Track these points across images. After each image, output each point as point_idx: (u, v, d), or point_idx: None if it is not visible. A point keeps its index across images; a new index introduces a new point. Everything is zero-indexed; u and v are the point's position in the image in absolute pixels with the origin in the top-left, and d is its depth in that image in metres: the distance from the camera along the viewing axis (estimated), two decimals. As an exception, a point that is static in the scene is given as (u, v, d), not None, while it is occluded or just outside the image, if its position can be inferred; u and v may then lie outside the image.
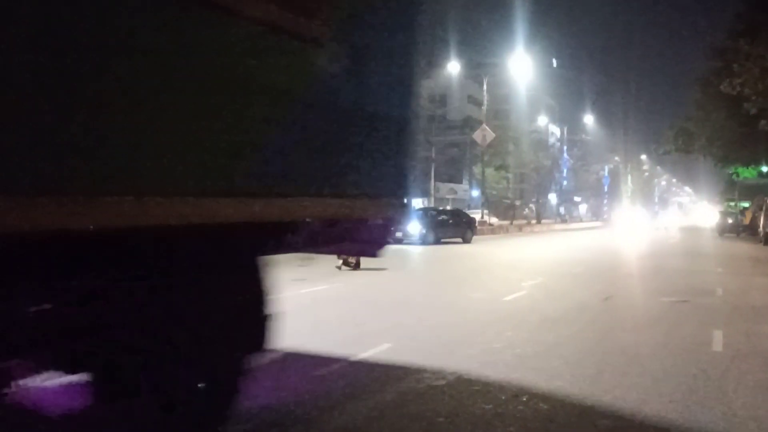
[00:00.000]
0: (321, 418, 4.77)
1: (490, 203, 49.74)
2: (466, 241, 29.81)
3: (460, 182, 72.59)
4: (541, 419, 4.81)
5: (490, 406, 5.07)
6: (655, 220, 44.02)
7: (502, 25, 67.59)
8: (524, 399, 5.26)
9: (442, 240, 28.92)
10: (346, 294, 11.74)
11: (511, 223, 50.51)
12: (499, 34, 65.44)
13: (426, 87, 69.39)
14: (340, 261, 14.80)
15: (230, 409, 4.10)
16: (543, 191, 68.78)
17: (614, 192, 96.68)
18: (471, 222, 32.19)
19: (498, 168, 57.64)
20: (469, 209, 69.15)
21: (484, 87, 44.26)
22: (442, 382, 5.73)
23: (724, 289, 12.83)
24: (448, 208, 42.07)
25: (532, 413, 4.93)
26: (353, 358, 6.51)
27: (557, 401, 5.24)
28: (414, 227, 28.69)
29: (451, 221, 30.92)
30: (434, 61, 63.31)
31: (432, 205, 61.11)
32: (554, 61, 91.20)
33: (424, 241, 27.49)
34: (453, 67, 53.89)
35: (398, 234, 16.46)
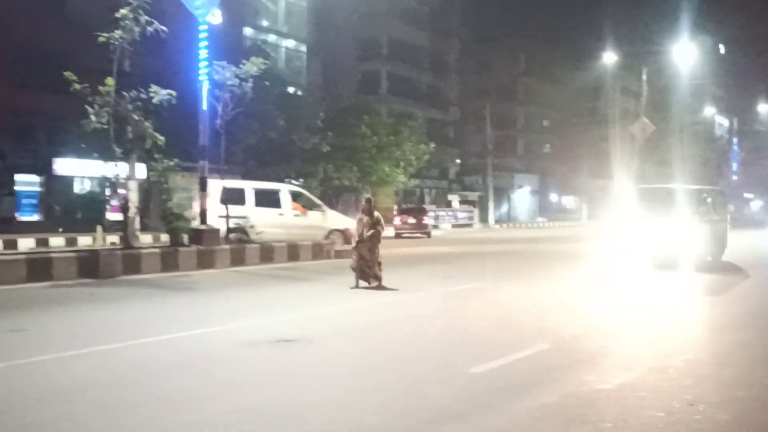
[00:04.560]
0: (480, 416, 4.71)
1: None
2: None
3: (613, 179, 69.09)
4: (721, 431, 4.43)
5: (662, 413, 4.75)
6: None
7: (662, 12, 63.60)
8: (700, 408, 4.87)
9: None
10: (488, 294, 11.58)
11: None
12: (659, 22, 61.65)
13: (578, 79, 67.18)
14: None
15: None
16: (708, 187, 63.83)
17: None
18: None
19: (657, 163, 54.18)
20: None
21: (643, 77, 41.65)
22: (607, 386, 5.46)
23: None
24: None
25: (711, 424, 4.55)
26: (510, 358, 6.39)
27: (738, 412, 4.80)
28: None
29: None
30: (587, 52, 60.89)
31: (585, 203, 58.82)
32: (721, 47, 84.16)
33: None
34: (608, 57, 51.26)
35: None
